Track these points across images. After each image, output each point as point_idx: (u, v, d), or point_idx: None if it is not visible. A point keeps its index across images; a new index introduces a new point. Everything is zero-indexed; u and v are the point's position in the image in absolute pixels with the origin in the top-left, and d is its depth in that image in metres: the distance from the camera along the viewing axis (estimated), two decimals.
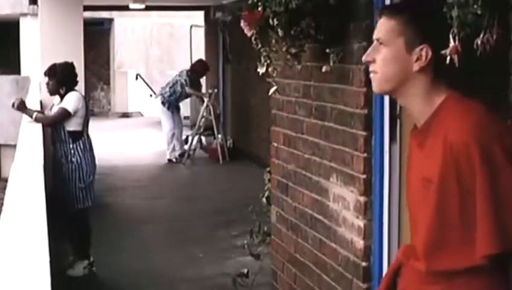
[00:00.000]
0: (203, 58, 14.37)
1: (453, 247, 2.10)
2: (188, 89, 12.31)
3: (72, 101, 6.40)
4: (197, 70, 12.55)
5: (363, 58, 2.29)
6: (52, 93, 6.63)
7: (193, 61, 13.24)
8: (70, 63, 6.66)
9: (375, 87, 2.27)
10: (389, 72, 2.20)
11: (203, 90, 13.40)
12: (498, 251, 2.01)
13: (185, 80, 12.31)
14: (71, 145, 6.36)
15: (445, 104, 2.15)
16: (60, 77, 6.50)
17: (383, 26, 2.22)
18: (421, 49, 2.15)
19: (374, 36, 2.26)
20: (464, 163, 2.03)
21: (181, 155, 12.36)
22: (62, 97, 6.48)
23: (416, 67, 2.16)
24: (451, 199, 2.07)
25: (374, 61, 2.23)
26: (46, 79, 6.57)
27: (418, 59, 2.16)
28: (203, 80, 13.95)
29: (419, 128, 2.22)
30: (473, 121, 2.06)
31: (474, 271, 2.08)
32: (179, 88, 12.34)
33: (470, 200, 2.04)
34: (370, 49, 2.26)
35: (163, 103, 12.35)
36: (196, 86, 12.63)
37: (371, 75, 2.27)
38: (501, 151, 2.01)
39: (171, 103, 12.34)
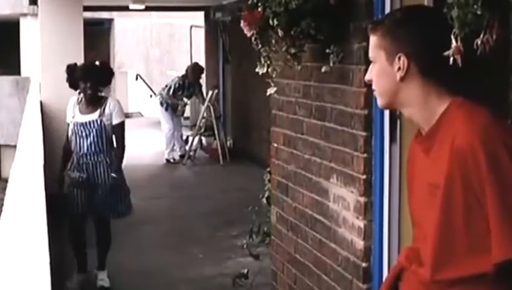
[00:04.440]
0: (203, 58, 14.39)
1: (459, 255, 2.08)
2: (166, 97, 12.31)
3: (122, 110, 6.17)
4: (187, 74, 12.57)
5: (366, 79, 2.35)
6: (92, 97, 6.04)
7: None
8: (103, 62, 6.45)
9: (378, 103, 2.34)
10: (381, 87, 2.27)
11: (205, 92, 13.39)
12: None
13: (170, 87, 12.34)
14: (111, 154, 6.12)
15: (449, 110, 2.15)
16: (99, 77, 6.15)
17: (371, 45, 2.29)
18: (399, 58, 2.19)
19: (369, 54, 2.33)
20: (470, 165, 2.01)
21: (181, 156, 12.37)
22: (91, 99, 6.04)
23: (397, 76, 2.20)
24: (456, 205, 2.06)
25: (371, 80, 2.30)
26: (82, 85, 6.01)
27: (399, 69, 2.20)
28: (203, 81, 13.93)
29: (424, 135, 2.22)
30: (477, 124, 2.05)
31: (478, 279, 2.06)
32: (162, 92, 12.45)
33: (475, 206, 2.03)
34: (369, 69, 2.32)
35: (161, 104, 12.41)
36: (183, 93, 12.57)
37: (374, 93, 2.34)
38: (507, 153, 2.00)
39: (169, 105, 12.39)
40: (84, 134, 5.98)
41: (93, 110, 6.01)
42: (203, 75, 13.50)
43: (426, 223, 2.17)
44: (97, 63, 6.25)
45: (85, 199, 6.04)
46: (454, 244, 2.09)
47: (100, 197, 6.06)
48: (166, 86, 12.61)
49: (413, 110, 2.22)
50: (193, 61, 12.87)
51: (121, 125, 6.08)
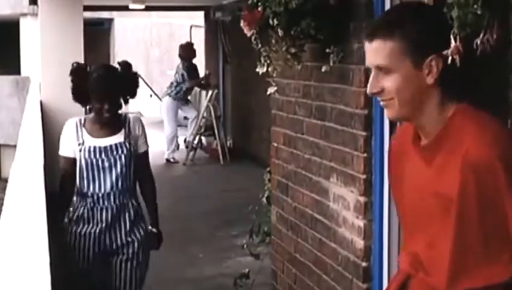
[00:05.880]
0: (203, 58, 14.37)
1: (475, 266, 2.06)
2: (187, 84, 12.37)
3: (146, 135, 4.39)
4: (184, 56, 12.59)
5: (369, 92, 2.11)
6: (114, 115, 4.16)
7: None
8: (125, 63, 4.39)
9: (393, 114, 2.12)
10: (406, 96, 2.06)
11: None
12: None
13: (182, 75, 12.38)
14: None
15: (456, 118, 2.08)
16: (122, 92, 4.25)
17: (381, 51, 2.04)
18: (431, 61, 2.04)
19: (371, 63, 2.09)
20: (487, 180, 1.98)
21: (186, 146, 12.41)
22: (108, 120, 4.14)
23: (430, 80, 2.05)
24: (472, 217, 2.03)
25: (382, 90, 2.08)
26: (97, 105, 4.10)
27: (429, 72, 2.05)
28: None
29: (428, 143, 2.14)
30: (492, 137, 2.01)
31: (491, 289, 2.06)
32: (182, 85, 12.44)
33: (492, 217, 2.01)
34: (372, 79, 2.09)
35: (174, 99, 12.44)
36: (194, 73, 12.66)
37: (383, 103, 2.12)
38: None
39: (180, 100, 12.45)
40: (107, 164, 4.12)
41: (114, 131, 4.19)
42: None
43: (434, 231, 2.12)
44: (117, 64, 4.38)
45: (102, 272, 4.20)
46: (471, 256, 2.05)
47: (129, 263, 4.23)
48: (172, 83, 12.61)
49: (430, 117, 2.10)
50: (193, 61, 12.84)
51: (147, 154, 4.36)
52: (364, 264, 3.78)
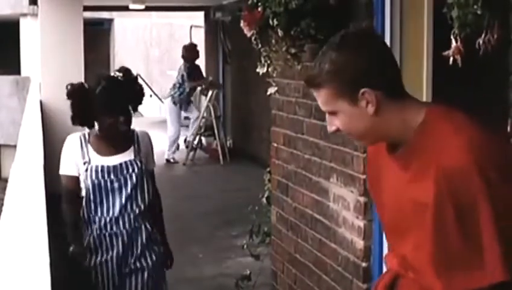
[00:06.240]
0: (203, 58, 14.37)
1: (463, 269, 2.03)
2: (187, 84, 12.36)
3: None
4: (186, 57, 12.58)
5: (328, 131, 2.21)
6: (129, 127, 3.83)
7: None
8: (125, 69, 3.91)
9: (361, 144, 2.29)
10: (358, 130, 2.13)
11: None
12: (508, 278, 1.96)
13: (182, 76, 12.38)
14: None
15: (428, 121, 2.06)
16: (134, 101, 3.89)
17: (320, 99, 2.15)
18: (363, 94, 2.05)
19: (322, 108, 2.19)
20: (462, 185, 1.96)
21: (186, 146, 12.38)
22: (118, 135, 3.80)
23: (371, 110, 2.06)
24: (449, 223, 2.01)
25: (338, 129, 2.16)
26: (109, 120, 3.72)
27: (367, 103, 2.06)
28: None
29: (402, 151, 2.12)
30: (467, 140, 1.98)
31: None
32: (184, 86, 12.44)
33: (469, 221, 1.98)
34: (328, 121, 2.19)
35: (174, 103, 12.42)
36: (197, 74, 12.65)
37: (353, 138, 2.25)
38: (496, 171, 1.96)
39: (183, 101, 12.45)
40: (116, 185, 3.76)
41: (123, 148, 3.84)
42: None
43: (418, 234, 2.10)
44: (118, 73, 3.84)
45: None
46: (455, 260, 2.02)
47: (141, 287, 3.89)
48: (174, 84, 12.61)
49: (396, 132, 2.10)
50: (195, 62, 12.84)
51: (153, 172, 4.09)
52: (364, 264, 3.78)
